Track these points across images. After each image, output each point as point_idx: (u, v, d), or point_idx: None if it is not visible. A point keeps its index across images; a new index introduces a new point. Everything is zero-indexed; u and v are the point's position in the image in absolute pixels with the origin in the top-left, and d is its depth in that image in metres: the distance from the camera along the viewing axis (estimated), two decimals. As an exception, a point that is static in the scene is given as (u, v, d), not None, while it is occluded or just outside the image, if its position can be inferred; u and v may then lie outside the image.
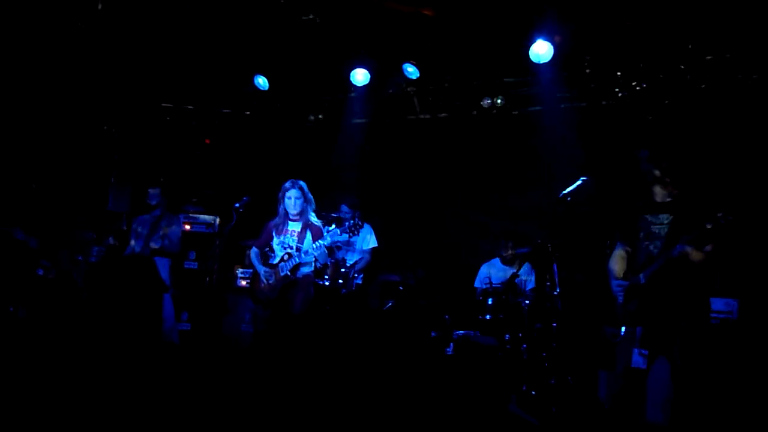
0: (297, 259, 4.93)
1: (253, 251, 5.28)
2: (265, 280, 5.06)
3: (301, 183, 5.09)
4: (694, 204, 3.49)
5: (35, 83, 6.50)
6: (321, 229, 5.04)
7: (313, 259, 5.05)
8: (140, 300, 1.89)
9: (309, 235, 4.99)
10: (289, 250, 4.99)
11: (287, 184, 5.06)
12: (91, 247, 6.98)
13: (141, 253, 5.86)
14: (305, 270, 5.06)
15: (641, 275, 3.53)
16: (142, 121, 7.55)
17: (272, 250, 5.14)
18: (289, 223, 5.11)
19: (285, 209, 5.05)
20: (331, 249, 6.17)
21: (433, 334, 5.71)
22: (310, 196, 5.12)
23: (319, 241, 4.90)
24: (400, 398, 1.76)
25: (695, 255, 3.34)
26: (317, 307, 5.44)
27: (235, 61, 6.59)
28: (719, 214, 3.25)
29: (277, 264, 5.02)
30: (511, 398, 2.04)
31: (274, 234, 5.13)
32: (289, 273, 4.95)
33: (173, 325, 6.02)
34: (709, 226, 3.26)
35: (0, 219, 6.27)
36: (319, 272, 5.51)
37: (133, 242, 6.06)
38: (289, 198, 5.03)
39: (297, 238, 5.03)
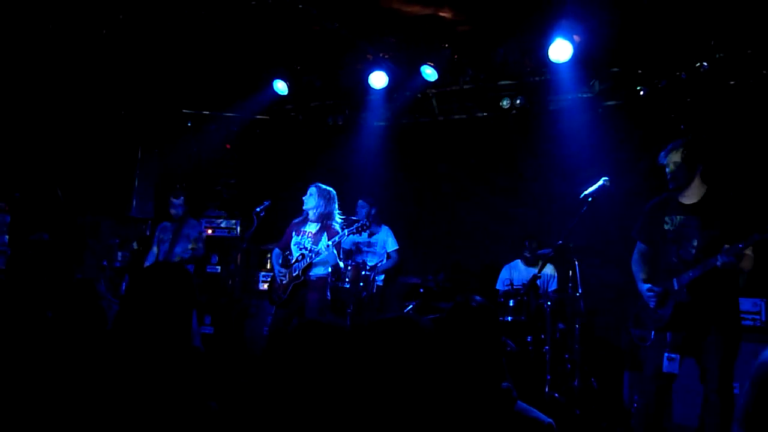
0: (308, 260, 4.98)
1: (275, 252, 5.37)
2: (279, 281, 5.12)
3: (323, 186, 5.19)
4: (727, 206, 3.38)
5: (59, 91, 6.62)
6: (338, 232, 5.08)
7: (326, 260, 5.10)
8: (175, 308, 1.90)
9: (324, 238, 5.05)
10: (303, 251, 5.04)
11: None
12: (116, 252, 7.11)
13: (165, 259, 5.94)
14: (318, 272, 5.10)
15: (674, 281, 3.43)
16: (164, 128, 7.64)
17: (291, 250, 5.21)
18: (308, 223, 5.19)
19: (305, 208, 5.17)
20: (350, 251, 6.22)
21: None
22: (331, 200, 5.17)
23: (329, 241, 4.95)
24: (414, 402, 1.75)
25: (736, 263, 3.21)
26: (336, 310, 5.49)
27: (254, 66, 6.64)
28: None
29: (291, 264, 5.08)
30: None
31: (293, 233, 5.21)
32: (300, 273, 5.01)
33: (197, 329, 6.09)
34: (758, 238, 3.11)
35: (28, 227, 6.40)
36: (339, 275, 5.53)
37: (155, 248, 6.16)
38: (306, 195, 5.15)
39: (312, 239, 5.09)
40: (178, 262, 5.76)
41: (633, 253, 3.78)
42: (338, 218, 5.21)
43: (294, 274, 5.04)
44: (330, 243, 4.96)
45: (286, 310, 5.11)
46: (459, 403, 1.88)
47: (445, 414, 1.83)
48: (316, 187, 5.17)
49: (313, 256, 4.99)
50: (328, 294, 5.17)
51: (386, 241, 6.34)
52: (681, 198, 3.52)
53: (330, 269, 5.17)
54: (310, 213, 5.17)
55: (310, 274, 5.08)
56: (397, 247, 6.33)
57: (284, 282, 5.09)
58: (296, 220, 5.27)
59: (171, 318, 1.91)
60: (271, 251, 5.55)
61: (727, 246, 3.19)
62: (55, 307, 1.83)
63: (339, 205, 5.69)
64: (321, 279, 5.11)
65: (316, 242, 5.07)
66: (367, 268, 5.77)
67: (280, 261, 5.26)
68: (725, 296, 3.39)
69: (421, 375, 1.74)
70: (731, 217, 3.34)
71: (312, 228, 5.17)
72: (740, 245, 3.16)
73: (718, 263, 3.21)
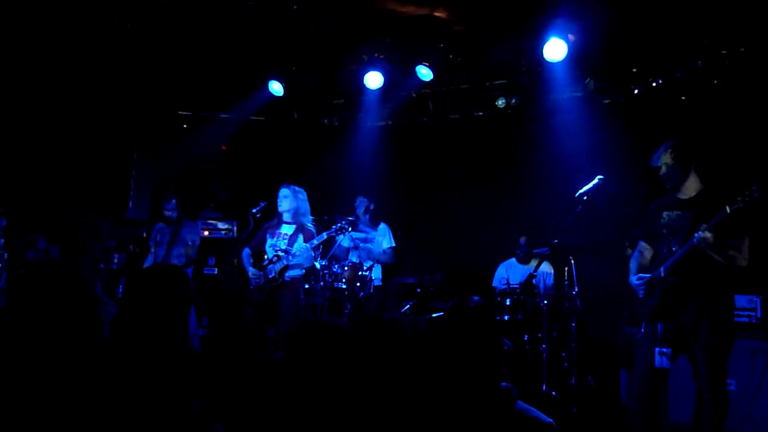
0: (285, 262, 5.01)
1: (245, 252, 5.38)
2: (254, 282, 5.13)
3: (296, 187, 5.21)
4: (717, 197, 3.41)
5: (54, 93, 6.60)
6: (313, 233, 5.11)
7: (302, 262, 5.11)
8: (172, 310, 1.92)
9: (300, 239, 5.07)
10: (278, 253, 5.06)
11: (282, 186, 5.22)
12: (112, 254, 7.09)
13: (163, 261, 5.94)
14: (293, 273, 5.12)
15: (661, 268, 3.47)
16: (160, 129, 7.64)
17: (265, 252, 5.23)
18: (283, 225, 5.23)
19: (278, 210, 5.19)
20: (348, 250, 6.23)
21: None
22: (305, 200, 5.21)
23: (306, 244, 4.97)
24: (409, 403, 1.76)
25: (718, 245, 3.24)
26: (333, 310, 5.52)
27: (249, 67, 6.64)
28: (737, 198, 3.17)
29: (266, 266, 5.09)
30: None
31: (267, 236, 5.23)
32: (276, 275, 5.03)
33: (194, 331, 6.09)
34: (729, 210, 3.17)
35: (23, 228, 6.38)
36: (335, 276, 5.54)
37: (153, 250, 6.15)
38: (278, 198, 5.16)
39: (287, 240, 5.12)
40: (173, 266, 5.75)
41: (635, 251, 3.82)
42: (310, 217, 5.25)
43: (270, 276, 5.07)
44: (308, 245, 4.98)
45: (262, 312, 5.14)
46: (459, 404, 1.89)
47: (445, 414, 1.84)
48: (289, 188, 5.19)
49: (290, 258, 5.02)
50: (302, 293, 5.20)
51: (383, 239, 6.35)
52: (679, 194, 3.58)
53: (303, 270, 5.21)
54: (285, 215, 5.20)
55: (285, 275, 5.10)
56: (393, 245, 6.33)
57: (260, 284, 5.12)
58: (270, 223, 5.28)
59: (168, 320, 1.92)
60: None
61: (704, 224, 3.24)
62: (52, 314, 1.84)
63: (335, 205, 5.71)
64: (295, 280, 5.14)
65: (291, 244, 5.09)
66: (364, 268, 5.78)
67: (252, 262, 5.28)
68: (712, 284, 3.38)
69: (413, 377, 1.75)
70: (720, 204, 3.37)
71: (287, 230, 5.20)
72: (713, 220, 3.22)
73: (695, 240, 3.25)
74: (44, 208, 6.76)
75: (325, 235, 5.04)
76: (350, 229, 5.19)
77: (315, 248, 5.03)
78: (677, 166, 3.51)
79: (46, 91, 6.53)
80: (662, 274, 3.46)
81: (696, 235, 3.25)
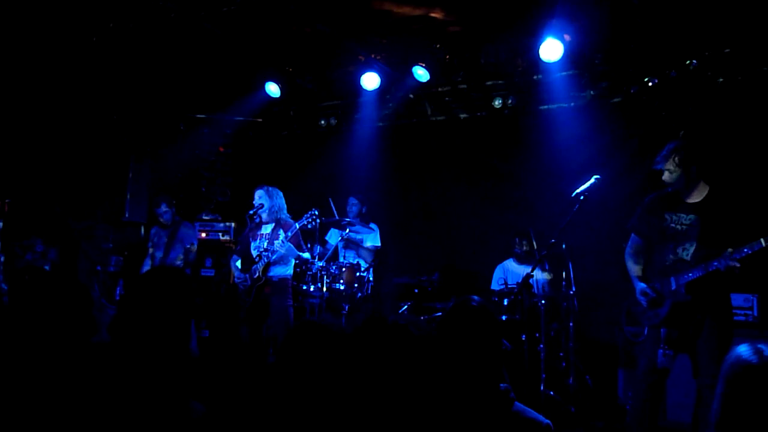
0: (266, 259, 5.03)
1: (233, 258, 5.45)
2: (241, 286, 5.17)
3: (268, 186, 5.29)
4: (728, 206, 3.40)
5: (51, 96, 6.59)
6: (291, 224, 5.13)
7: (289, 258, 5.13)
8: (174, 312, 1.91)
9: (281, 234, 5.11)
10: (260, 252, 5.10)
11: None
12: (109, 257, 7.08)
13: (161, 263, 5.94)
14: (279, 271, 5.15)
15: (672, 280, 3.45)
16: (157, 131, 7.63)
17: (251, 255, 5.27)
18: (262, 226, 5.29)
19: (260, 213, 5.24)
20: (337, 249, 6.24)
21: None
22: (279, 197, 5.28)
23: (284, 236, 5.02)
24: (408, 404, 1.75)
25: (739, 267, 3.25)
26: (331, 310, 5.52)
27: (246, 68, 6.64)
28: None
29: (249, 267, 5.13)
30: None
31: (250, 239, 5.29)
32: (260, 274, 5.06)
33: (194, 332, 6.09)
34: (764, 243, 3.15)
35: (20, 231, 6.37)
36: (332, 273, 5.54)
37: (151, 252, 6.15)
38: (254, 200, 5.23)
39: (268, 239, 5.17)
40: (176, 268, 5.76)
41: (627, 246, 3.79)
42: (286, 213, 5.30)
43: (255, 276, 5.10)
44: (283, 238, 5.02)
45: (253, 314, 5.15)
46: (457, 404, 1.88)
47: (443, 414, 1.83)
48: (262, 188, 5.27)
49: (270, 255, 5.04)
50: (290, 294, 5.19)
51: (370, 238, 6.33)
52: (683, 196, 3.53)
53: (290, 270, 5.23)
54: (263, 215, 5.24)
55: (271, 274, 5.12)
56: (378, 246, 6.28)
57: (246, 286, 5.16)
58: (251, 226, 5.32)
59: (170, 322, 1.91)
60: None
61: (730, 249, 3.21)
62: (48, 317, 1.84)
63: (333, 206, 5.71)
64: (283, 280, 5.15)
65: (271, 242, 5.13)
66: (362, 269, 5.78)
67: (239, 266, 5.31)
68: (721, 294, 3.42)
69: (415, 378, 1.75)
70: (732, 218, 3.36)
71: (267, 229, 5.26)
72: (745, 249, 3.17)
73: (722, 267, 3.23)
74: (41, 211, 6.74)
75: (297, 225, 5.08)
76: (319, 214, 5.22)
77: (291, 239, 5.05)
78: (680, 168, 3.46)
79: (43, 94, 6.52)
80: (673, 287, 3.44)
81: (723, 261, 3.22)
